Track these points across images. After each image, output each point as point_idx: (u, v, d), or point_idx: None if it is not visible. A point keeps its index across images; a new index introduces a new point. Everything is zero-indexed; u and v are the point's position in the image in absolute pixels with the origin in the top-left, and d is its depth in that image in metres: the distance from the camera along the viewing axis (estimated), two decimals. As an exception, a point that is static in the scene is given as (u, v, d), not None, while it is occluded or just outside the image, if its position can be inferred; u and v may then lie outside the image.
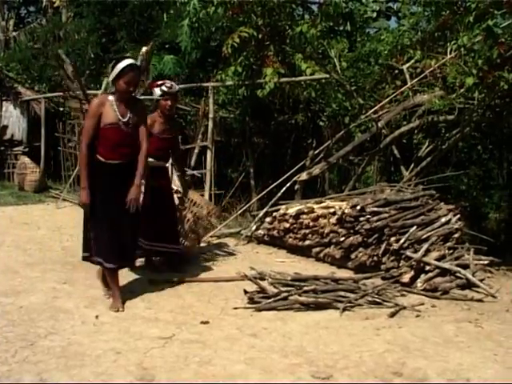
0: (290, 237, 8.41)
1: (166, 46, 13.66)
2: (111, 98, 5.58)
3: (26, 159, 14.09)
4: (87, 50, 15.99)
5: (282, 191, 9.53)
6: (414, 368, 4.58)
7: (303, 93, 10.11)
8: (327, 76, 9.47)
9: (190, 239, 7.56)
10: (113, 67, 5.62)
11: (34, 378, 4.09)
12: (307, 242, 8.18)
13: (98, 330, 5.11)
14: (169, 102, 6.98)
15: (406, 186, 9.01)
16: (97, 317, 5.40)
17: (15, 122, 15.19)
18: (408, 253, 6.99)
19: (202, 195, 10.07)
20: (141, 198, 5.65)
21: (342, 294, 6.22)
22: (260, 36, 9.54)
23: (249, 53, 9.61)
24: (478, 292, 6.91)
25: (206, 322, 5.42)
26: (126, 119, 5.52)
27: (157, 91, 7.02)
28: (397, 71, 11.01)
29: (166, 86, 6.98)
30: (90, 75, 16.10)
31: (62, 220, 10.21)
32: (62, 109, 15.47)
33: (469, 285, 6.99)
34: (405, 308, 6.13)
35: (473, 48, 8.57)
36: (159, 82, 7.17)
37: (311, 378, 4.31)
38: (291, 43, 9.93)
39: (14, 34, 19.75)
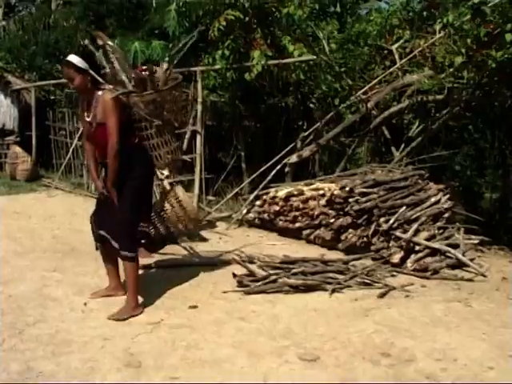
0: (281, 219, 8.41)
1: (156, 32, 13.57)
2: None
3: (18, 148, 14.05)
4: (76, 37, 15.90)
5: (272, 174, 9.51)
6: (402, 348, 4.58)
7: (292, 75, 10.05)
8: (314, 57, 9.41)
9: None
10: None
11: (21, 366, 4.10)
12: (297, 225, 8.18)
13: (86, 316, 5.11)
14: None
15: (397, 167, 9.00)
16: (85, 304, 5.39)
17: (6, 111, 15.13)
18: (397, 233, 6.99)
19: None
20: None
21: (331, 275, 6.22)
22: (247, 19, 9.47)
23: (236, 36, 9.54)
24: (468, 271, 6.91)
25: (195, 307, 5.42)
26: (89, 119, 5.26)
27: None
28: (386, 52, 10.97)
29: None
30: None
31: (54, 209, 10.19)
32: (52, 97, 15.39)
33: (459, 264, 6.99)
34: (394, 289, 6.13)
35: (461, 27, 8.52)
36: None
37: (298, 360, 4.31)
38: (279, 25, 9.86)
39: (4, 23, 19.61)
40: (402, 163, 9.59)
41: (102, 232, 5.34)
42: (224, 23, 9.20)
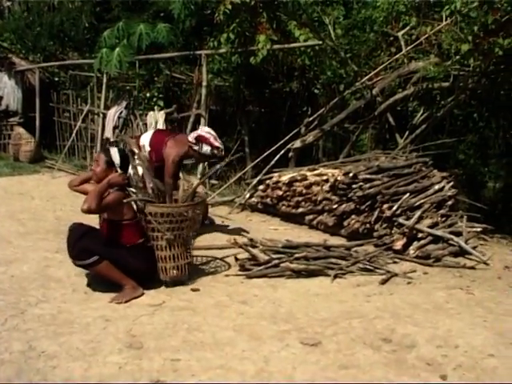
0: (283, 204, 8.40)
1: (161, 15, 13.49)
2: None
3: (21, 130, 14.04)
4: (81, 19, 15.84)
5: (275, 159, 9.49)
6: (403, 334, 4.59)
7: (297, 60, 10.00)
8: (320, 42, 9.35)
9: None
10: None
11: (23, 345, 4.11)
12: (300, 210, 8.17)
13: (89, 298, 5.14)
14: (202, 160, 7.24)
15: (401, 154, 8.98)
16: (88, 285, 5.41)
17: (10, 92, 15.05)
18: (400, 220, 6.98)
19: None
20: None
21: (334, 261, 6.22)
22: (253, 2, 9.40)
23: (241, 19, 9.48)
24: (470, 259, 6.90)
25: (197, 290, 5.44)
26: None
27: (206, 149, 6.76)
28: (392, 38, 10.89)
29: (219, 152, 6.80)
30: (84, 45, 15.98)
31: (57, 190, 10.20)
32: (56, 79, 15.35)
33: (461, 252, 6.98)
34: (396, 275, 6.13)
35: (468, 14, 8.44)
36: (213, 142, 6.77)
37: (300, 345, 4.32)
38: (285, 10, 9.80)
39: (8, 3, 19.48)
40: (405, 150, 9.56)
41: None
42: (230, 6, 9.14)
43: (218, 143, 6.78)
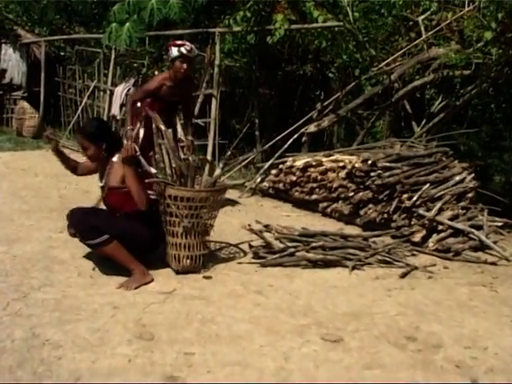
0: (297, 190, 8.10)
1: (172, -10, 13.15)
2: None
3: (25, 104, 13.78)
4: (89, -7, 15.52)
5: (288, 143, 9.18)
6: (429, 333, 4.34)
7: (314, 42, 9.66)
8: (340, 24, 9.01)
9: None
10: None
11: (26, 332, 3.84)
12: (314, 197, 7.88)
13: (95, 282, 4.85)
14: (184, 66, 6.65)
15: (418, 142, 8.68)
16: (94, 268, 5.13)
17: (14, 65, 14.75)
18: (420, 211, 6.69)
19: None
20: None
21: (352, 251, 5.95)
22: (271, -20, 9.07)
23: (259, -3, 9.14)
24: (490, 254, 6.63)
25: (209, 277, 5.17)
26: (101, 184, 5.26)
27: (174, 51, 6.64)
28: (411, 23, 10.54)
29: (186, 49, 6.60)
30: (92, 20, 15.66)
31: (61, 167, 9.76)
32: (62, 53, 15.04)
33: (481, 247, 6.72)
34: (416, 269, 5.87)
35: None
36: (178, 42, 6.76)
37: (320, 341, 4.05)
38: (303, -12, 9.45)
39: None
40: (421, 139, 9.25)
41: None
42: (248, -17, 8.81)
43: (180, 42, 6.77)
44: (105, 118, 11.80)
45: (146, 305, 4.42)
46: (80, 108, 12.73)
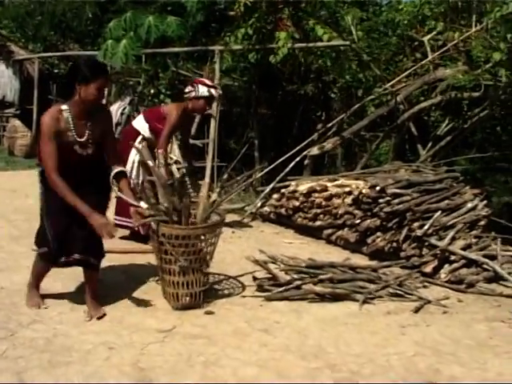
0: (300, 216, 7.74)
1: (168, 9, 12.91)
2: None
3: (17, 122, 13.49)
4: (85, 9, 15.26)
5: (290, 166, 8.85)
6: (450, 376, 3.99)
7: (318, 61, 9.39)
8: (347, 43, 8.74)
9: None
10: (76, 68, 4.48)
11: (13, 377, 3.50)
12: (318, 223, 7.52)
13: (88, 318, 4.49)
14: (207, 106, 6.75)
15: (424, 166, 8.36)
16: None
17: (7, 82, 14.49)
18: (433, 240, 6.35)
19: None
20: None
21: (361, 284, 5.60)
22: (274, -4, 8.79)
23: (261, 14, 8.86)
24: (505, 286, 6.27)
25: (211, 313, 4.80)
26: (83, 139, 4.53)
27: (203, 90, 6.56)
28: (416, 43, 10.28)
29: (218, 92, 6.71)
30: (87, 36, 15.43)
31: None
32: (56, 70, 14.76)
33: (495, 278, 6.37)
34: (429, 302, 5.52)
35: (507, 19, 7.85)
36: (208, 83, 6.75)
37: (335, 387, 3.71)
38: (306, 7, 9.18)
39: (9, -10, 18.93)
40: (427, 163, 8.94)
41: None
42: (251, -1, 8.53)
43: (212, 83, 6.82)
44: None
45: (144, 345, 4.06)
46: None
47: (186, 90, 6.69)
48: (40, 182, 4.65)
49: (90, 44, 15.16)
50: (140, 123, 6.75)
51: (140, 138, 6.64)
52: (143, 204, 4.76)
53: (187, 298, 4.79)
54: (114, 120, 10.90)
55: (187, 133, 7.26)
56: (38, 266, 4.77)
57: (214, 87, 6.71)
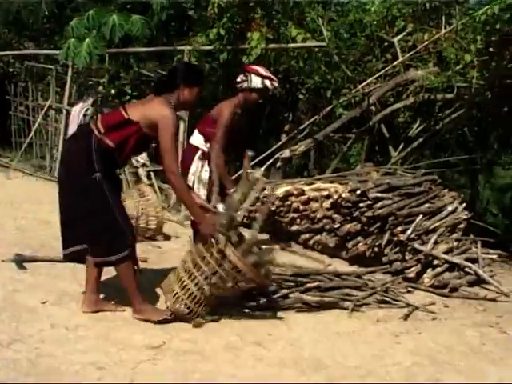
0: (276, 220, 7.57)
1: (128, 7, 12.56)
2: None
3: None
4: (41, 7, 14.74)
5: (263, 168, 8.63)
6: (452, 387, 3.90)
7: (290, 62, 9.21)
8: (323, 44, 8.59)
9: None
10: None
11: (-3, 404, 3.20)
12: (295, 227, 7.38)
13: (72, 335, 4.16)
14: (260, 99, 5.94)
15: (396, 168, 8.26)
16: (68, 318, 4.47)
17: (-41, 82, 13.93)
18: (416, 245, 6.26)
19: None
20: None
21: (348, 291, 5.47)
22: (246, -4, 8.59)
23: (233, 14, 8.64)
24: (487, 289, 6.31)
25: (199, 325, 4.57)
26: None
27: (257, 81, 5.77)
28: (386, 44, 10.18)
29: (273, 84, 5.87)
30: (43, 34, 14.95)
31: (14, 193, 9.11)
32: (11, 70, 14.26)
33: (478, 281, 6.36)
34: (417, 309, 5.46)
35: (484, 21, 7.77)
36: (262, 72, 5.87)
37: (341, 404, 3.55)
38: (280, 7, 9.00)
39: (-41, -14, 18.28)
40: (397, 165, 8.86)
41: None
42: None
43: (267, 73, 5.89)
44: (61, 141, 11.08)
45: (135, 364, 3.80)
46: (34, 128, 11.95)
47: (238, 80, 5.91)
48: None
49: (46, 42, 14.66)
50: (195, 138, 6.16)
51: (199, 153, 5.91)
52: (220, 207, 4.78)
53: (185, 310, 4.56)
54: (77, 121, 10.55)
55: (235, 133, 6.22)
56: (128, 275, 4.56)
57: (270, 78, 5.86)
